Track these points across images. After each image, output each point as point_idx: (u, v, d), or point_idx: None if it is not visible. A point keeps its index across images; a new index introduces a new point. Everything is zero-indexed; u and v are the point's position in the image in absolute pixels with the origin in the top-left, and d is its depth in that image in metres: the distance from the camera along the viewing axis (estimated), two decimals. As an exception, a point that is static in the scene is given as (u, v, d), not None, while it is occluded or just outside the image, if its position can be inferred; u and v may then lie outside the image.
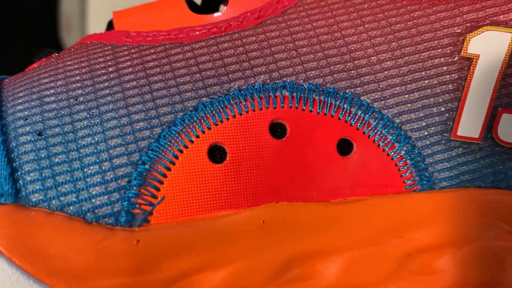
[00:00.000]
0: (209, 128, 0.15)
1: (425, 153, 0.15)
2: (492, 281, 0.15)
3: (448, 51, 0.15)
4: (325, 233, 0.15)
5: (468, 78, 0.15)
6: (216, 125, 0.15)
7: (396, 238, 0.15)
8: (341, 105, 0.15)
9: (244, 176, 0.15)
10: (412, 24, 0.15)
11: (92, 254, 0.14)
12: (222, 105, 0.15)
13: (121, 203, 0.14)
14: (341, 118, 0.15)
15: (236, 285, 0.15)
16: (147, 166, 0.14)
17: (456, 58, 0.15)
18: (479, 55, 0.15)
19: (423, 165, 0.15)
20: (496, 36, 0.15)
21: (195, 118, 0.15)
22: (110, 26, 0.18)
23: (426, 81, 0.15)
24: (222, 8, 0.17)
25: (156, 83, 0.15)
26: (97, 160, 0.14)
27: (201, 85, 0.15)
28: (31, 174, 0.14)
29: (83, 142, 0.14)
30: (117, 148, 0.14)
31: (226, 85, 0.15)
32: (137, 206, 0.14)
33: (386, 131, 0.15)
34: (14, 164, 0.14)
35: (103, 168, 0.14)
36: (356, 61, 0.15)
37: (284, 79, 0.15)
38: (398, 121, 0.15)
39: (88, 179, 0.14)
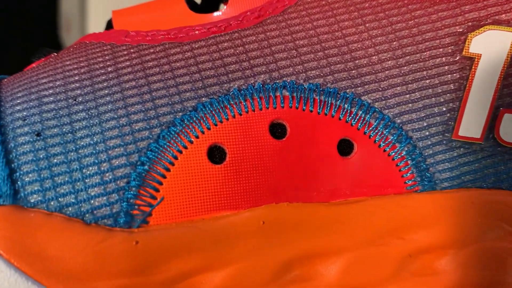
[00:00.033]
0: (209, 129, 0.15)
1: (426, 154, 0.15)
2: (493, 282, 0.15)
3: (450, 51, 0.15)
4: (326, 234, 0.15)
5: (470, 77, 0.15)
6: (216, 125, 0.15)
7: (397, 239, 0.15)
8: (341, 105, 0.15)
9: (244, 177, 0.15)
10: (413, 23, 0.15)
11: (91, 255, 0.14)
12: (222, 105, 0.15)
13: (120, 204, 0.14)
14: (341, 118, 0.15)
15: (236, 286, 0.15)
16: (146, 167, 0.14)
17: (457, 58, 0.15)
18: (480, 54, 0.15)
19: (424, 165, 0.15)
20: (498, 35, 0.15)
21: (194, 119, 0.15)
22: (109, 25, 0.18)
23: (427, 81, 0.15)
24: (222, 7, 0.17)
25: (155, 83, 0.15)
26: (96, 161, 0.14)
27: (200, 85, 0.15)
28: (30, 175, 0.14)
29: (82, 143, 0.14)
30: (116, 149, 0.14)
31: (225, 85, 0.15)
32: (136, 207, 0.14)
33: (387, 131, 0.15)
34: (13, 165, 0.14)
35: (102, 169, 0.14)
36: (357, 61, 0.15)
37: (284, 79, 0.15)
38: (399, 121, 0.15)
39: (87, 180, 0.14)
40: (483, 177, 0.16)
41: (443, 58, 0.15)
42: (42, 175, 0.14)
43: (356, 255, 0.15)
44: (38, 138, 0.14)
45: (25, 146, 0.14)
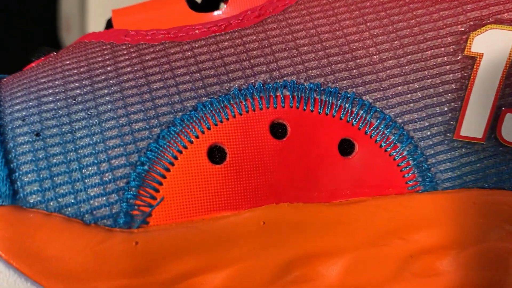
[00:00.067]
0: (209, 129, 0.15)
1: (427, 154, 0.15)
2: (495, 282, 0.15)
3: (451, 50, 0.15)
4: (327, 234, 0.15)
5: (472, 77, 0.15)
6: (216, 125, 0.15)
7: (398, 239, 0.15)
8: (342, 104, 0.15)
9: (244, 177, 0.15)
10: (414, 22, 0.15)
11: (90, 256, 0.14)
12: (222, 105, 0.15)
13: (120, 205, 0.14)
14: (342, 118, 0.15)
15: (236, 287, 0.15)
16: (146, 167, 0.14)
17: (459, 57, 0.15)
18: (482, 54, 0.15)
19: (425, 165, 0.15)
20: (500, 34, 0.15)
21: (194, 118, 0.15)
22: (109, 24, 0.18)
23: (429, 80, 0.15)
24: (222, 6, 0.17)
25: (155, 82, 0.15)
26: (96, 161, 0.14)
27: (200, 84, 0.15)
28: (29, 175, 0.14)
29: (81, 143, 0.14)
30: (116, 149, 0.14)
31: (226, 85, 0.15)
32: (136, 207, 0.14)
33: (388, 131, 0.15)
34: (12, 165, 0.14)
35: (102, 169, 0.14)
36: (358, 60, 0.15)
37: (285, 78, 0.15)
38: (400, 121, 0.15)
39: (86, 180, 0.14)
40: (484, 177, 0.16)
41: (445, 57, 0.15)
42: (41, 175, 0.14)
43: (357, 255, 0.15)
44: (38, 138, 0.14)
45: (24, 146, 0.14)
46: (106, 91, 0.15)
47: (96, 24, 0.39)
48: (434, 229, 0.15)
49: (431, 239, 0.15)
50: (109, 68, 0.15)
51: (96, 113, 0.15)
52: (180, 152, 0.14)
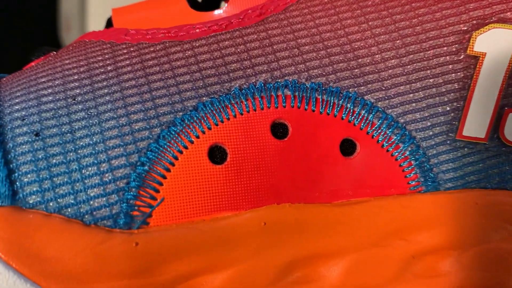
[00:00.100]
0: (209, 128, 0.15)
1: (430, 154, 0.15)
2: (497, 283, 0.15)
3: (454, 49, 0.15)
4: (328, 235, 0.15)
5: (474, 77, 0.15)
6: (217, 125, 0.15)
7: (400, 240, 0.15)
8: (344, 104, 0.15)
9: (245, 177, 0.15)
10: (417, 21, 0.15)
11: (90, 257, 0.14)
12: (223, 105, 0.15)
13: (120, 205, 0.14)
14: (344, 117, 0.15)
15: (237, 288, 0.15)
16: (146, 167, 0.14)
17: (462, 57, 0.15)
18: (485, 53, 0.15)
19: (428, 165, 0.15)
20: (503, 33, 0.15)
21: (195, 118, 0.15)
22: (109, 23, 0.18)
23: (431, 80, 0.15)
24: (223, 5, 0.17)
25: (155, 82, 0.15)
26: (95, 161, 0.14)
27: (201, 84, 0.15)
28: (29, 176, 0.14)
29: (81, 143, 0.14)
30: (116, 149, 0.14)
31: (226, 84, 0.15)
32: (136, 208, 0.14)
33: (390, 131, 0.15)
34: (11, 166, 0.14)
35: (102, 169, 0.14)
36: (360, 60, 0.15)
37: (286, 78, 0.15)
38: (402, 120, 0.15)
39: (86, 181, 0.14)
40: (487, 178, 0.15)
41: (447, 57, 0.15)
42: (41, 176, 0.14)
43: (358, 256, 0.15)
44: (37, 138, 0.14)
45: (24, 146, 0.14)
46: (106, 90, 0.15)
47: (96, 24, 0.39)
48: (436, 230, 0.15)
49: (433, 239, 0.15)
50: (109, 68, 0.15)
51: (96, 113, 0.15)
52: (181, 152, 0.14)
